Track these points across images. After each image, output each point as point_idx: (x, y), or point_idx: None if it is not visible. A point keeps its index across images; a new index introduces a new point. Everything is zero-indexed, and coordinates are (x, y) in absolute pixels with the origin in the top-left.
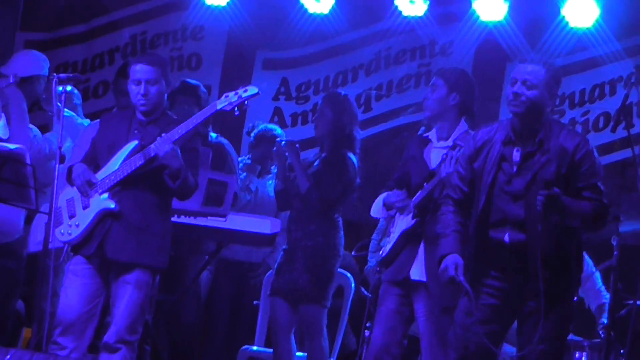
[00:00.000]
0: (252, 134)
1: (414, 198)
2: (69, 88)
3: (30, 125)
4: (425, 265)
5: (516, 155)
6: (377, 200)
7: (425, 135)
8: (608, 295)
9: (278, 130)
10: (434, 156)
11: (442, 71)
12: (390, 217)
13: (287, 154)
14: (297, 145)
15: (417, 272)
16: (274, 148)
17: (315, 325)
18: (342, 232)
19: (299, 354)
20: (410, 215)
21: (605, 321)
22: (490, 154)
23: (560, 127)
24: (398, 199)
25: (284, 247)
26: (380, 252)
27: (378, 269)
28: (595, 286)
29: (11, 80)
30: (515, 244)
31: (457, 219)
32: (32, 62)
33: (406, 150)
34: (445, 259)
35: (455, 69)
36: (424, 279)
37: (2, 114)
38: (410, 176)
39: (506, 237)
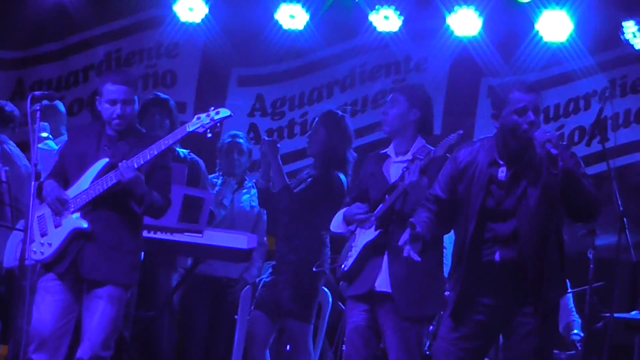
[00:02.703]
0: (218, 145)
1: (376, 211)
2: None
3: (12, 145)
4: (389, 276)
5: (502, 174)
6: (337, 215)
7: (382, 152)
8: (577, 317)
9: (241, 138)
10: (394, 171)
11: (402, 87)
12: (351, 232)
13: (267, 151)
14: (278, 145)
15: (381, 283)
16: (259, 146)
17: (300, 341)
18: (328, 249)
19: None
20: (372, 228)
21: (577, 337)
22: (475, 177)
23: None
24: (358, 212)
25: (273, 263)
26: (342, 266)
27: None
28: (567, 305)
29: None
30: (506, 262)
31: (431, 217)
32: None
33: (363, 168)
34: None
35: (415, 84)
36: (389, 290)
37: None
38: (368, 192)
39: (497, 256)
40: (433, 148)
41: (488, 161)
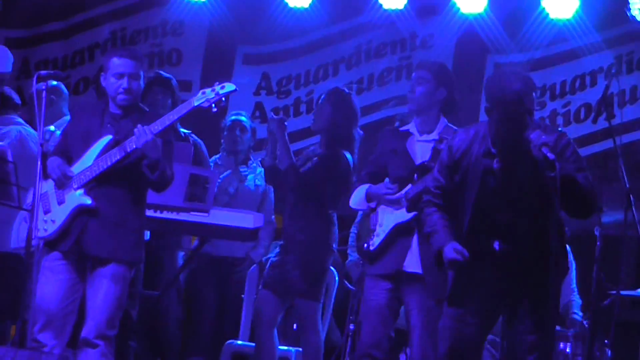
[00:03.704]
0: (221, 124)
1: (408, 192)
2: (54, 83)
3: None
4: (420, 258)
5: (497, 166)
6: (357, 191)
7: (402, 128)
8: (578, 298)
9: (243, 116)
10: (419, 149)
11: (428, 64)
12: (371, 209)
13: (274, 129)
14: (285, 123)
15: (411, 264)
16: (267, 125)
17: (309, 319)
18: (336, 228)
19: (281, 347)
20: (403, 208)
21: (577, 316)
22: (470, 168)
23: (535, 127)
24: (388, 192)
25: (280, 242)
26: (366, 245)
27: (361, 262)
28: (570, 284)
29: None
30: (505, 252)
31: (444, 216)
32: (8, 60)
33: (380, 144)
34: (445, 249)
35: (440, 62)
36: (419, 271)
37: None
38: (387, 170)
39: (495, 246)
40: (456, 128)
41: (482, 151)
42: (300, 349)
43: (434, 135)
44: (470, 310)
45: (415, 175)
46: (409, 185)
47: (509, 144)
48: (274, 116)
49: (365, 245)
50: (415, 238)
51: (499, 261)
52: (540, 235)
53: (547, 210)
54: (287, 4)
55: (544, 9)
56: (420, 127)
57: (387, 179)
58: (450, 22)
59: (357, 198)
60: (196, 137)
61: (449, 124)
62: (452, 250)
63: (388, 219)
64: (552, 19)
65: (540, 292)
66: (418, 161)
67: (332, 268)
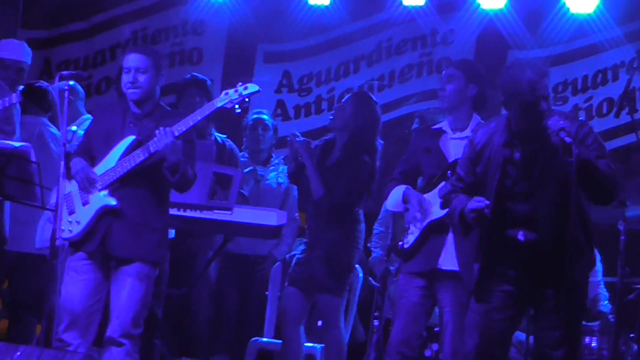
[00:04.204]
0: (243, 124)
1: (440, 189)
2: (71, 83)
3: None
4: (456, 255)
5: (517, 156)
6: (394, 193)
7: (434, 127)
8: (605, 290)
9: (265, 115)
10: (452, 147)
11: (457, 62)
12: (407, 210)
13: (302, 153)
14: (312, 145)
15: (446, 261)
16: (288, 137)
17: (332, 315)
18: (362, 225)
19: (306, 344)
20: (438, 205)
21: (605, 308)
22: (491, 159)
23: (554, 114)
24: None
25: (305, 240)
26: (401, 244)
27: (384, 258)
28: (596, 278)
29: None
30: (530, 242)
31: (468, 196)
32: (22, 49)
33: (413, 143)
34: (467, 205)
35: (469, 60)
36: (455, 269)
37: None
38: (419, 168)
39: (520, 236)
40: None
41: (502, 141)
42: (323, 346)
43: (466, 133)
44: (497, 306)
45: (449, 172)
46: (443, 183)
47: (527, 133)
48: (299, 138)
49: (400, 243)
50: (449, 235)
51: (524, 252)
52: (564, 226)
53: (569, 200)
54: (307, 1)
55: (564, 3)
56: (452, 125)
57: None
58: (470, 18)
59: (393, 200)
60: (232, 143)
61: (481, 121)
62: (473, 201)
63: (423, 216)
64: (573, 14)
65: (566, 285)
66: (451, 159)
67: (357, 265)
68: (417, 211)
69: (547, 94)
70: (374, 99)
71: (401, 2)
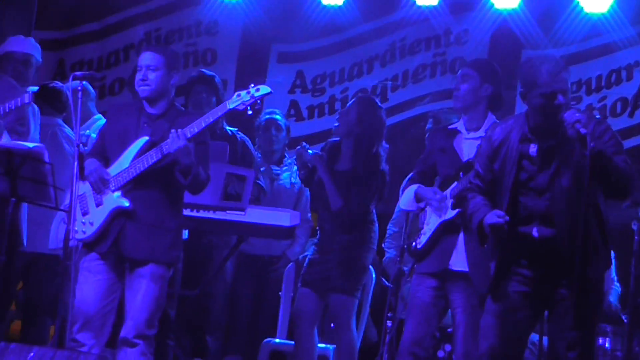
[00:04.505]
0: (256, 124)
1: (452, 189)
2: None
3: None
4: (466, 256)
5: (533, 151)
6: (407, 193)
7: (450, 127)
8: (618, 286)
9: (278, 115)
10: (466, 147)
11: (472, 62)
12: (420, 210)
13: (316, 166)
14: (324, 157)
15: (457, 262)
16: (298, 147)
17: (344, 315)
18: (376, 225)
19: (319, 345)
20: (449, 208)
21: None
22: (508, 154)
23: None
24: (434, 197)
25: (315, 240)
26: (414, 244)
27: (398, 259)
28: (609, 276)
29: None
30: (545, 238)
31: (485, 199)
32: (29, 43)
33: (429, 143)
34: (486, 218)
35: (484, 59)
36: (465, 269)
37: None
38: (436, 168)
39: (534, 232)
40: None
41: (519, 137)
42: (334, 346)
43: (481, 133)
44: (512, 307)
45: (461, 173)
46: (455, 183)
47: (544, 127)
48: (310, 150)
49: (414, 243)
50: (460, 236)
51: (538, 249)
52: (579, 222)
53: (585, 196)
54: (320, 1)
55: (578, 3)
56: (467, 125)
57: (435, 187)
58: (484, 17)
59: (406, 199)
60: (243, 135)
61: (496, 122)
62: (493, 215)
63: (434, 217)
64: (587, 14)
65: (581, 282)
66: (465, 159)
67: (370, 266)
68: (436, 200)
69: (566, 88)
70: (378, 103)
71: (414, 2)
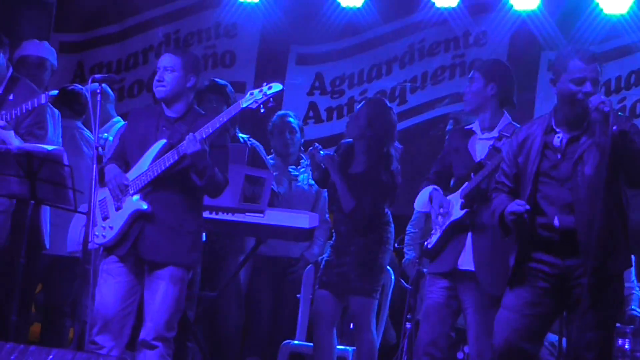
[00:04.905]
0: (269, 126)
1: (462, 190)
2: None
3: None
4: (473, 255)
5: (557, 141)
6: (421, 194)
7: (467, 127)
8: (638, 290)
9: (291, 117)
10: (479, 147)
11: (478, 63)
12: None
13: (327, 167)
14: (336, 158)
15: (465, 262)
16: (310, 148)
17: (364, 316)
18: (392, 226)
19: (338, 347)
20: (459, 206)
21: (634, 312)
22: (532, 145)
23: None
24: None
25: (332, 242)
26: (425, 244)
27: (417, 260)
28: (630, 277)
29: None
30: (565, 227)
31: (509, 196)
32: (43, 46)
33: (447, 144)
34: (507, 208)
35: (491, 59)
36: (472, 268)
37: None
38: (452, 169)
39: (556, 221)
40: (519, 125)
41: (544, 128)
42: (354, 348)
43: (494, 133)
44: (530, 301)
45: (472, 174)
46: (466, 184)
47: (570, 118)
48: (322, 151)
49: (425, 244)
50: (469, 235)
51: (559, 238)
52: (600, 215)
53: (607, 188)
54: (339, 3)
55: (597, 4)
56: (481, 125)
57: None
58: (503, 19)
59: (421, 200)
60: (255, 141)
61: (512, 122)
62: (514, 204)
63: (445, 217)
64: (606, 15)
65: (601, 276)
66: (477, 159)
67: (388, 267)
68: (436, 213)
69: (596, 77)
70: (388, 104)
71: (433, 3)
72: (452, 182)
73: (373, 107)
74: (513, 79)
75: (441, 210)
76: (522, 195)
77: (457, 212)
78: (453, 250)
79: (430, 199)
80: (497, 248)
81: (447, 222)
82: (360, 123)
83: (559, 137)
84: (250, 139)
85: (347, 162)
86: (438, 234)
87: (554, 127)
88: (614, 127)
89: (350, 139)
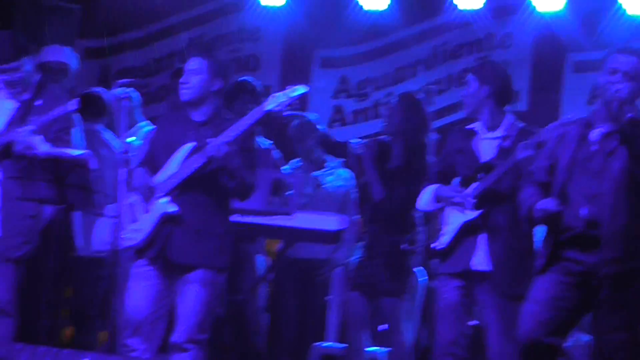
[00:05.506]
0: (289, 131)
1: (473, 190)
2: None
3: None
4: (489, 255)
5: (594, 134)
6: (424, 193)
7: (467, 127)
8: None
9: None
10: (485, 147)
11: (472, 68)
12: (440, 210)
13: (362, 155)
14: (372, 148)
15: (478, 262)
16: (349, 146)
17: (395, 318)
18: (420, 227)
19: (371, 348)
20: (471, 207)
21: None
22: (568, 138)
23: None
24: (455, 194)
25: (362, 243)
26: (434, 245)
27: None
28: None
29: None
30: (594, 218)
31: (540, 190)
32: (64, 52)
33: (447, 143)
34: (537, 204)
35: (484, 62)
36: (487, 269)
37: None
38: (455, 169)
39: (584, 212)
40: (522, 124)
41: (582, 123)
42: (387, 349)
43: (498, 133)
44: (557, 296)
45: (479, 174)
46: (476, 184)
47: (606, 112)
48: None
49: (433, 244)
50: (481, 236)
51: (587, 231)
52: (626, 209)
53: (631, 182)
54: (362, 6)
55: (621, 5)
56: (484, 125)
57: (454, 181)
58: (527, 21)
59: (425, 199)
60: (277, 151)
61: (515, 122)
62: (546, 201)
63: (455, 217)
64: (630, 16)
65: (626, 267)
66: (483, 159)
67: (420, 268)
68: (459, 195)
69: (628, 70)
70: (419, 97)
71: (456, 6)
72: (453, 183)
73: (405, 102)
74: (508, 78)
75: (459, 194)
76: (554, 185)
77: (470, 212)
78: (465, 251)
79: (439, 197)
80: (513, 248)
81: (461, 222)
82: (396, 119)
83: (598, 130)
84: (272, 146)
85: (385, 158)
86: (451, 235)
87: (595, 121)
88: (628, 115)
89: (387, 136)
